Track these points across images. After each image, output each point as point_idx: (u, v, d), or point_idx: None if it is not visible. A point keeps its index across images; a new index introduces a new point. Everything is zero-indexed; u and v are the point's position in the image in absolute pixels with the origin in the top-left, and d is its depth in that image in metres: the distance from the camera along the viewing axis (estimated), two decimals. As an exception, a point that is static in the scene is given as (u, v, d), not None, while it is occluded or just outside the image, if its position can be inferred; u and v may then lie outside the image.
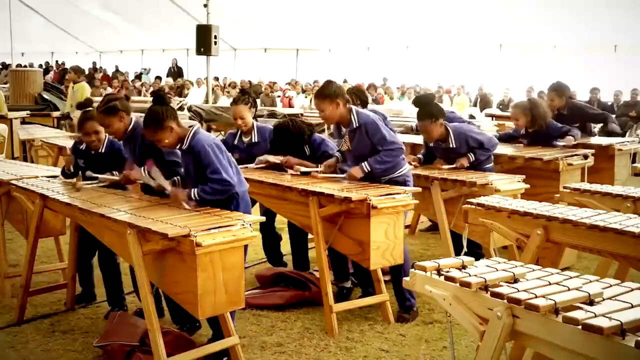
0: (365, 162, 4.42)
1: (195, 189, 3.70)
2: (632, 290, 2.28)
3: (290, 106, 16.62)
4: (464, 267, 2.52)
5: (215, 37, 14.04)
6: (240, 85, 18.30)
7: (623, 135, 10.35)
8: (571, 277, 2.40)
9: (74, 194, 4.26)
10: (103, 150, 4.51)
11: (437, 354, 3.94)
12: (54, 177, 4.87)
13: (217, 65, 17.38)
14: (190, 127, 3.84)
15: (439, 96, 15.22)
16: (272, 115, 12.46)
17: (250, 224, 3.42)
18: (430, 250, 6.27)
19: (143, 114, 3.88)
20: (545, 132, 6.21)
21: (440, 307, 2.79)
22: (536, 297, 2.17)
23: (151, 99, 4.00)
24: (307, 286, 4.80)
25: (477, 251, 4.63)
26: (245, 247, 3.48)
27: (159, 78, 21.20)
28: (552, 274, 2.46)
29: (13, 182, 4.68)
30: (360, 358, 3.91)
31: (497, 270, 2.46)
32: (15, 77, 12.78)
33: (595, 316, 2.01)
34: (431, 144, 5.33)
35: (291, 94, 17.99)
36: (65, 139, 8.07)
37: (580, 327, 2.00)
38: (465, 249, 3.60)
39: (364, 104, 5.37)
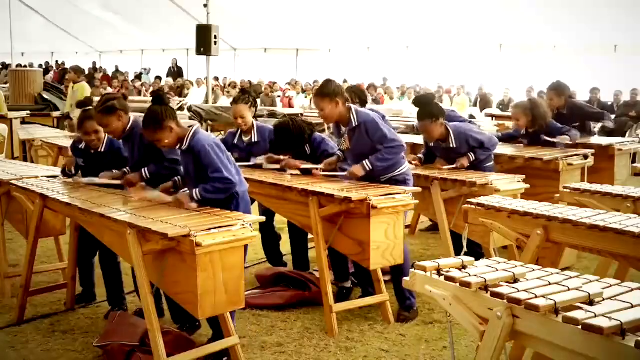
0: (367, 160, 4.42)
1: (197, 189, 3.70)
2: (632, 290, 2.28)
3: (290, 106, 16.63)
4: (464, 267, 2.52)
5: (215, 37, 14.04)
6: (240, 85, 18.31)
7: (616, 131, 10.38)
8: (571, 277, 2.40)
9: (74, 193, 4.26)
10: (103, 150, 4.51)
11: (437, 354, 3.94)
12: (54, 177, 4.87)
13: (217, 65, 17.38)
14: (189, 127, 3.84)
15: (439, 96, 15.21)
16: (272, 115, 12.46)
17: (250, 224, 3.42)
18: (430, 250, 6.27)
19: (143, 114, 3.88)
20: (545, 132, 6.21)
21: (440, 307, 2.79)
22: (536, 297, 2.17)
23: (151, 99, 4.00)
24: (307, 286, 4.80)
25: (478, 251, 4.63)
26: (245, 247, 3.48)
27: (159, 78, 21.20)
28: (552, 274, 2.46)
29: (13, 182, 4.68)
30: (360, 358, 3.91)
31: (497, 270, 2.46)
32: (15, 77, 12.78)
33: (595, 316, 2.01)
34: (431, 144, 5.33)
35: (291, 94, 17.99)
36: (65, 139, 8.06)
37: (580, 327, 2.00)
38: (465, 249, 3.60)
39: (363, 103, 5.37)
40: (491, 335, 2.27)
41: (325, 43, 19.65)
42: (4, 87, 14.24)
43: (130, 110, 4.35)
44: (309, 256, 5.36)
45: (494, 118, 12.26)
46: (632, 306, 2.10)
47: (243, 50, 21.95)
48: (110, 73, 23.53)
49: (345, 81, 16.48)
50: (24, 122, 10.53)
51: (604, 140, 6.82)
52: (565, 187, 4.36)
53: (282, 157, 5.00)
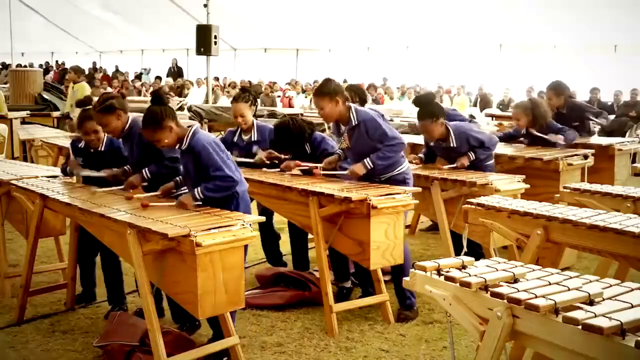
0: (367, 159, 4.41)
1: (199, 188, 3.69)
2: (632, 290, 2.28)
3: (290, 106, 16.63)
4: (464, 267, 2.52)
5: (215, 37, 14.04)
6: (240, 85, 18.30)
7: (616, 131, 10.37)
8: (571, 277, 2.39)
9: (74, 193, 4.26)
10: (102, 149, 4.51)
11: (437, 354, 3.94)
12: (54, 177, 4.87)
13: (217, 65, 17.38)
14: (189, 127, 3.84)
15: (439, 96, 15.22)
16: (272, 115, 12.46)
17: (250, 224, 3.42)
18: (430, 250, 6.27)
19: (142, 114, 3.88)
20: (545, 132, 6.20)
21: (440, 307, 2.79)
22: (536, 297, 2.17)
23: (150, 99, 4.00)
24: (307, 286, 4.79)
25: (478, 251, 4.63)
26: (246, 247, 3.48)
27: (159, 78, 21.20)
28: (552, 274, 2.46)
29: (13, 182, 4.68)
30: (360, 358, 3.91)
31: (497, 270, 2.46)
32: (15, 77, 12.78)
33: (595, 316, 2.01)
34: (432, 144, 5.33)
35: (291, 94, 18.00)
36: (65, 139, 8.06)
37: (580, 327, 2.00)
38: (465, 249, 3.60)
39: (363, 102, 5.37)
40: (491, 335, 2.27)
41: (325, 43, 19.65)
42: (4, 87, 14.24)
43: (130, 110, 4.35)
44: (309, 256, 5.36)
45: (494, 118, 12.25)
46: (632, 306, 2.10)
47: (243, 50, 21.96)
48: (110, 73, 23.52)
49: (345, 81, 16.45)
50: (24, 122, 10.53)
51: (604, 140, 6.82)
52: (565, 187, 4.36)
53: (282, 156, 5.00)
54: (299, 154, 4.96)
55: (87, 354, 3.95)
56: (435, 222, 5.31)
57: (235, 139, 5.20)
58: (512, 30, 15.70)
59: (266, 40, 20.76)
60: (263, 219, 3.79)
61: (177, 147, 3.82)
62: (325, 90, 4.42)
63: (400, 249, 4.18)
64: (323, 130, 8.85)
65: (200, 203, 3.72)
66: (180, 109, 13.95)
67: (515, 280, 2.36)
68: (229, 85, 19.01)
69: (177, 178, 4.05)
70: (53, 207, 4.33)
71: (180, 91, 18.84)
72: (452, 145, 5.12)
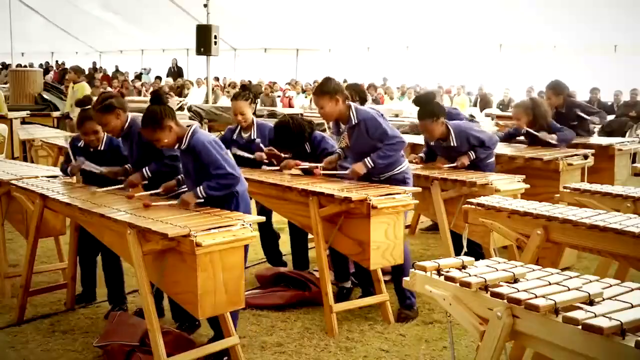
0: (368, 158, 4.41)
1: (201, 187, 3.69)
2: (632, 290, 2.28)
3: (290, 106, 16.62)
4: (464, 267, 2.51)
5: (215, 37, 14.03)
6: (240, 84, 18.28)
7: (616, 131, 10.35)
8: (571, 277, 2.39)
9: (74, 193, 4.26)
10: (102, 148, 4.51)
11: (437, 354, 3.94)
12: (54, 177, 4.88)
13: (217, 65, 17.38)
14: (188, 126, 3.84)
15: (440, 96, 15.21)
16: (272, 115, 12.45)
17: (250, 224, 3.42)
18: (430, 250, 6.27)
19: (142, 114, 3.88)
20: (545, 132, 6.19)
21: (440, 307, 2.79)
22: (536, 297, 2.17)
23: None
24: (307, 286, 4.79)
25: (478, 251, 4.62)
26: (246, 247, 3.48)
27: (159, 78, 21.20)
28: (552, 274, 2.45)
29: (13, 182, 4.68)
30: (360, 358, 3.91)
31: (497, 270, 2.46)
32: (15, 77, 12.79)
33: (595, 316, 2.01)
34: (432, 143, 5.33)
35: (291, 94, 18.00)
36: (65, 139, 8.07)
37: (580, 327, 1.99)
38: (465, 249, 3.60)
39: (363, 101, 5.37)
40: (491, 335, 2.27)
41: (325, 43, 19.65)
42: (4, 87, 14.24)
43: (130, 110, 4.35)
44: (309, 256, 5.36)
45: (494, 118, 12.25)
46: (632, 306, 2.10)
47: (243, 50, 21.96)
48: (110, 73, 23.52)
49: (345, 81, 16.46)
50: (24, 122, 10.53)
51: (604, 140, 6.81)
52: (565, 187, 4.36)
53: (282, 155, 5.00)
54: (298, 153, 4.96)
55: (87, 354, 3.95)
56: (435, 222, 5.30)
57: (235, 136, 5.20)
58: (512, 30, 15.70)
59: (266, 40, 20.76)
60: (263, 219, 3.79)
61: (176, 146, 3.82)
62: (325, 89, 4.41)
63: (400, 249, 4.18)
64: (323, 130, 8.85)
65: (202, 201, 3.72)
66: (180, 109, 13.96)
67: (515, 280, 2.36)
68: (229, 85, 19.02)
69: (179, 177, 4.05)
70: (53, 207, 4.33)
71: (180, 91, 18.84)
72: (452, 144, 5.12)
